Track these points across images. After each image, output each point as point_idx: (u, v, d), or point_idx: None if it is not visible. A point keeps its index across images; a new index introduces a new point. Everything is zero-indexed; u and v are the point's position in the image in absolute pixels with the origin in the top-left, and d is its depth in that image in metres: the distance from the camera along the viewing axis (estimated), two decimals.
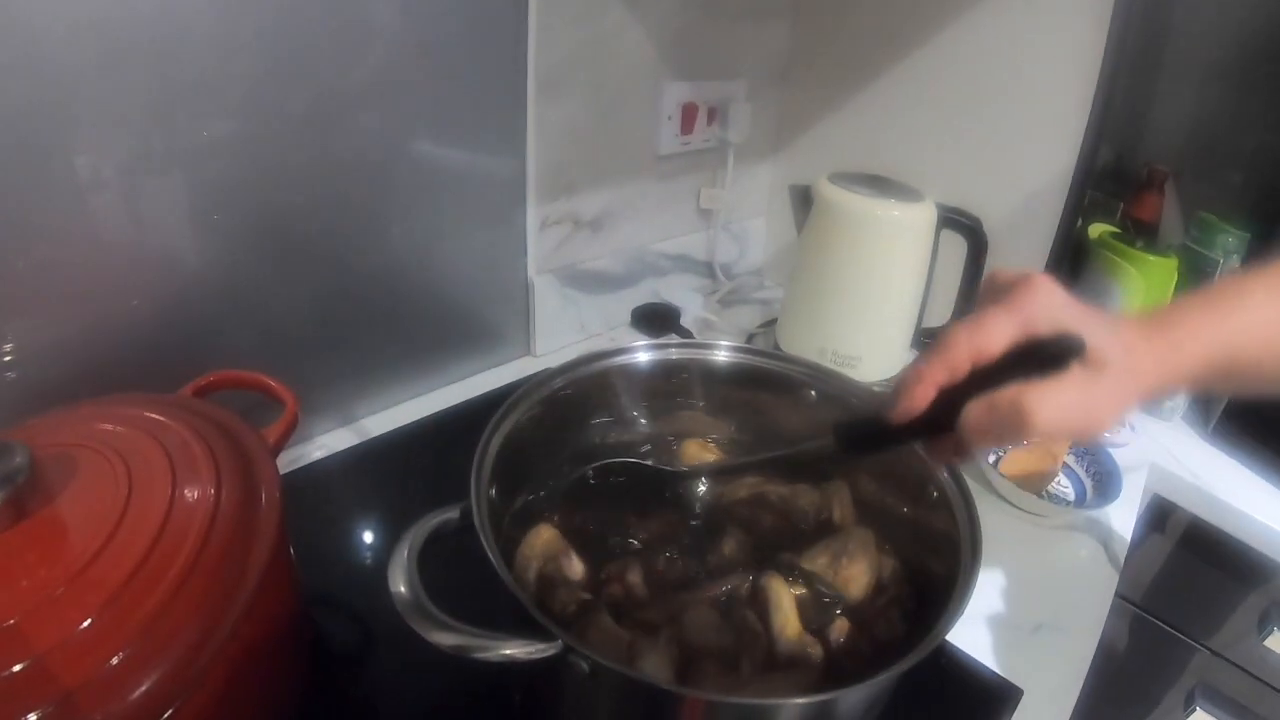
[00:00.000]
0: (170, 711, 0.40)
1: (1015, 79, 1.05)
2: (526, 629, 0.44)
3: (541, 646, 0.44)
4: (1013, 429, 0.45)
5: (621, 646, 0.54)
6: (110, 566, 0.41)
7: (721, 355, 0.73)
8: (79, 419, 0.55)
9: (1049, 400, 0.44)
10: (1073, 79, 1.00)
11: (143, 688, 0.38)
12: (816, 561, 0.65)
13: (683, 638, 0.56)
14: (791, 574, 0.63)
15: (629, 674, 0.44)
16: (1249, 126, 1.53)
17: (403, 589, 0.46)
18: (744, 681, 0.54)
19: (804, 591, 0.62)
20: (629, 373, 0.71)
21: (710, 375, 0.73)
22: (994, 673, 0.69)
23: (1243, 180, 1.54)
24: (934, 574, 0.60)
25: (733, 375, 0.73)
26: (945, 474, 0.60)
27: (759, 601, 0.60)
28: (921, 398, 0.49)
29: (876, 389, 0.69)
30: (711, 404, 0.75)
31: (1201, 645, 1.18)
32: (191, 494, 0.47)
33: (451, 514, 0.52)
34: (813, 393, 0.71)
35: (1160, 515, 1.12)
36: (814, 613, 0.61)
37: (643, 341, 0.71)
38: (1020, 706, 0.66)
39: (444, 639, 0.43)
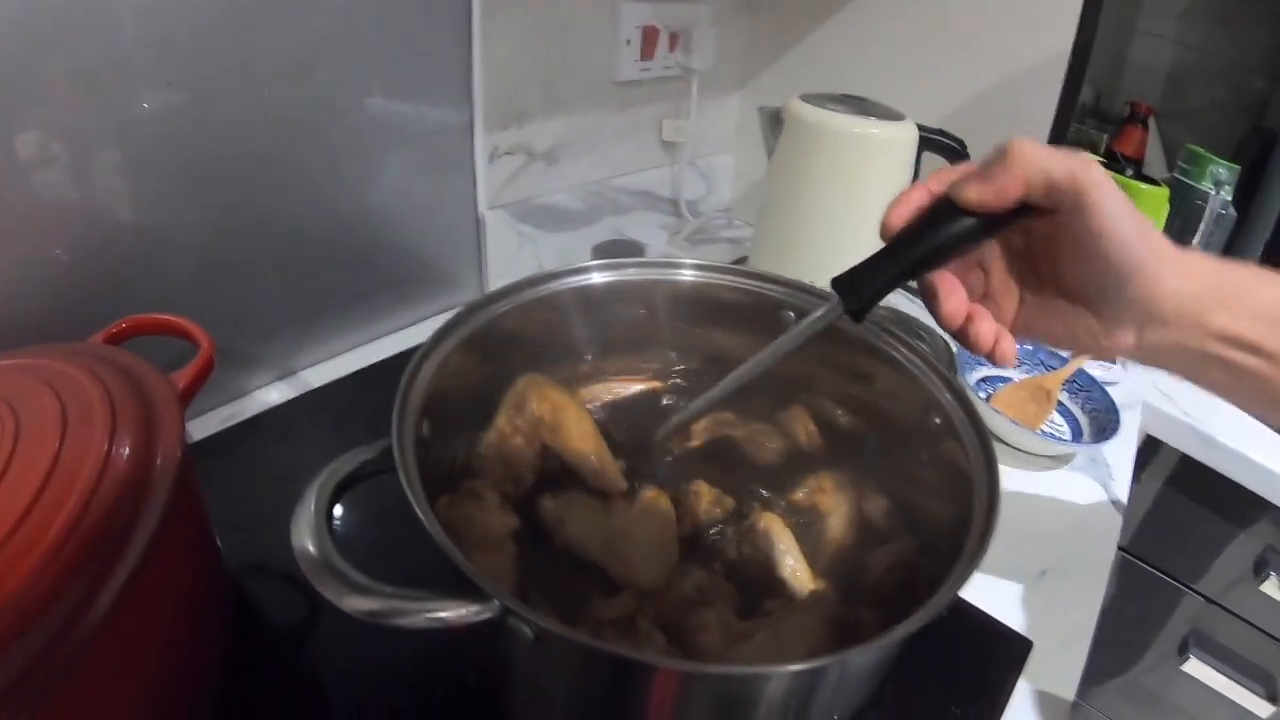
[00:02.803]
0: (56, 678, 0.34)
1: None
2: (461, 589, 0.37)
3: (476, 609, 0.36)
4: (996, 157, 0.40)
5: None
6: None
7: (687, 275, 0.64)
8: None
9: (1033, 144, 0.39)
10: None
11: (18, 656, 0.33)
12: (795, 496, 0.59)
13: (662, 610, 0.50)
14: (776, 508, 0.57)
15: (579, 640, 0.36)
16: (1228, 65, 1.51)
17: (309, 546, 0.39)
18: (747, 633, 0.47)
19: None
20: (582, 296, 0.62)
21: (675, 298, 0.65)
22: (1002, 624, 0.63)
23: (1222, 118, 1.52)
24: (934, 513, 0.53)
25: (700, 297, 0.65)
26: (950, 397, 0.54)
27: (757, 543, 0.53)
28: (901, 211, 0.43)
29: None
30: (676, 332, 0.67)
31: (1194, 591, 1.14)
32: (81, 447, 0.41)
33: (368, 454, 0.45)
34: (790, 313, 0.63)
35: (1147, 455, 1.08)
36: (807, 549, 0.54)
37: (596, 261, 0.62)
38: (1029, 659, 0.60)
39: (357, 604, 0.36)
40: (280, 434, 0.79)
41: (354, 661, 0.55)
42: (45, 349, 0.51)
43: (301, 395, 0.84)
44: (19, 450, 0.40)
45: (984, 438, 0.49)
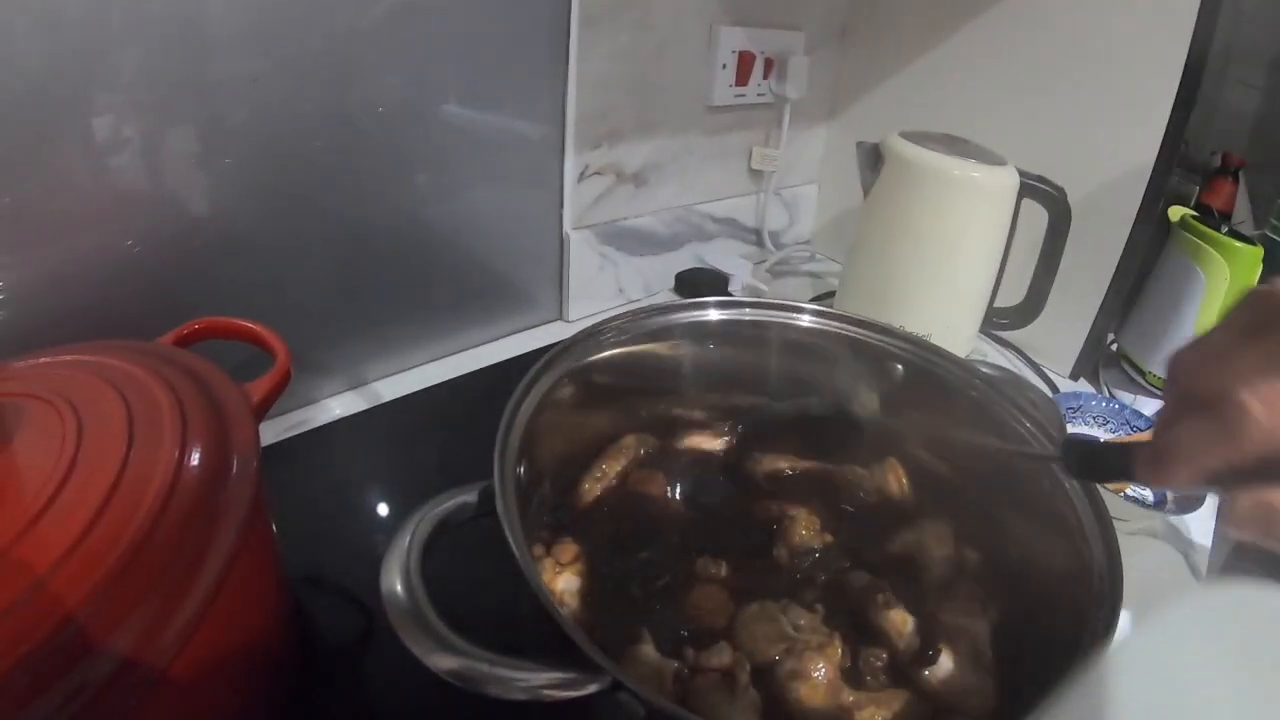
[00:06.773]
0: (119, 713, 0.32)
1: (1101, 39, 0.95)
2: (561, 655, 0.34)
3: (582, 681, 0.33)
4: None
5: (665, 681, 0.45)
6: (42, 543, 0.33)
7: (806, 320, 0.62)
8: (40, 366, 0.47)
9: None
10: (1164, 42, 0.91)
11: (76, 688, 0.30)
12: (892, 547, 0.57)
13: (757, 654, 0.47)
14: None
15: None
16: None
17: (399, 589, 0.36)
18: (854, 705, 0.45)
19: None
20: (696, 333, 0.61)
21: (789, 342, 0.63)
22: None
23: None
24: (1041, 582, 0.51)
25: (814, 344, 0.63)
26: (1081, 496, 0.51)
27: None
28: (1187, 480, 0.35)
29: (984, 369, 0.59)
30: (784, 375, 0.65)
31: None
32: (149, 456, 0.38)
33: (468, 497, 0.42)
34: (899, 366, 0.62)
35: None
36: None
37: (714, 297, 0.61)
38: None
39: (444, 664, 0.34)
40: (348, 447, 0.77)
41: (411, 683, 0.51)
42: (110, 346, 0.49)
43: (373, 408, 0.83)
44: (82, 455, 0.38)
45: (1100, 512, 0.47)
